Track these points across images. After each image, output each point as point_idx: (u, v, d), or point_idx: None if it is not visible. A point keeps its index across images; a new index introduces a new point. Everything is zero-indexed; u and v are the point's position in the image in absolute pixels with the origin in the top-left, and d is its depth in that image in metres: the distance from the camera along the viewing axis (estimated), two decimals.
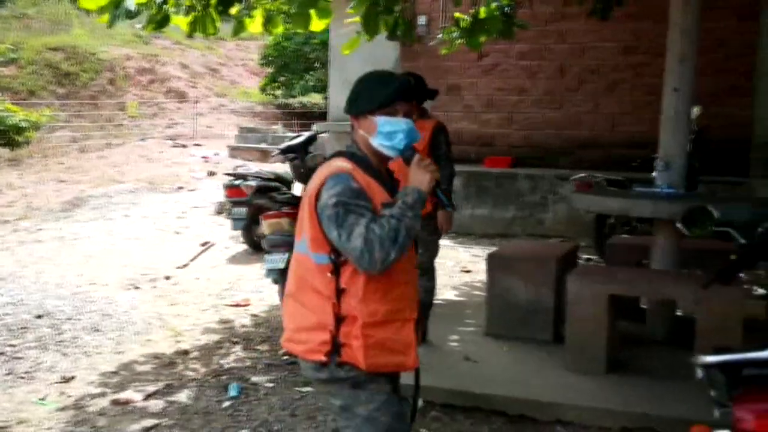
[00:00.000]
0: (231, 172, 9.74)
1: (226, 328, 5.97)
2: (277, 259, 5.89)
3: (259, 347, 5.48)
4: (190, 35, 6.17)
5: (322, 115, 17.38)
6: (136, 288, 7.21)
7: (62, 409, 4.37)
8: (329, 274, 2.36)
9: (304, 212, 2.43)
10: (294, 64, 22.69)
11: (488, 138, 10.88)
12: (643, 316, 5.30)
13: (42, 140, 17.43)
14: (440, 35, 7.36)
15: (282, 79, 23.25)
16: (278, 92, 23.76)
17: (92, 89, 21.62)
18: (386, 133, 2.42)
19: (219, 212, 11.14)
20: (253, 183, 8.64)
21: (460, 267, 8.00)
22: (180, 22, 5.90)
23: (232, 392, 4.55)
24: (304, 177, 8.86)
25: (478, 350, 4.89)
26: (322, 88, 20.78)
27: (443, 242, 5.96)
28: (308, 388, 4.62)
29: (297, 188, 8.85)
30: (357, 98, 2.49)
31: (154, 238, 9.59)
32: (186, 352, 5.38)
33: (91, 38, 23.68)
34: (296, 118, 21.75)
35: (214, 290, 7.15)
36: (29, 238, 9.45)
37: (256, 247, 8.48)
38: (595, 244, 8.16)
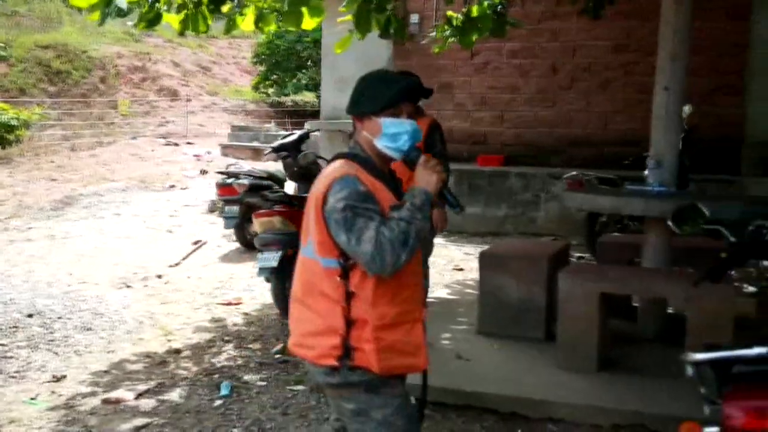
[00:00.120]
0: (223, 170, 9.73)
1: (218, 327, 5.96)
2: (269, 258, 5.89)
3: (250, 346, 5.47)
4: (181, 33, 6.14)
5: (314, 114, 17.38)
6: (128, 287, 7.19)
7: (53, 408, 4.35)
8: (338, 278, 2.34)
9: (310, 216, 2.40)
10: (286, 62, 22.67)
11: (480, 136, 10.89)
12: (635, 314, 5.32)
13: (33, 138, 17.35)
14: (433, 34, 7.37)
15: (274, 77, 23.22)
16: (270, 90, 23.73)
17: (83, 87, 21.54)
18: (391, 134, 2.40)
19: (211, 211, 11.12)
20: (245, 181, 8.64)
21: (452, 265, 8.01)
22: (171, 20, 5.88)
23: (224, 391, 4.54)
24: (297, 175, 8.88)
25: (470, 348, 4.90)
26: (314, 86, 20.78)
27: (436, 240, 5.97)
28: (300, 387, 4.62)
29: (289, 186, 8.85)
30: (360, 99, 2.46)
31: (146, 237, 9.56)
32: (178, 351, 5.37)
33: (82, 36, 23.59)
34: (288, 116, 21.73)
35: (206, 289, 7.13)
36: (20, 237, 9.41)
37: (248, 245, 8.47)
38: (587, 243, 8.18)
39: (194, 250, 8.84)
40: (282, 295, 6.02)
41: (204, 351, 5.38)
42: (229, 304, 6.61)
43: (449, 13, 7.01)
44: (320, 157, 9.16)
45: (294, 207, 6.26)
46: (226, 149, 17.34)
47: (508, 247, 6.07)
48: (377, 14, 6.25)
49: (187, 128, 20.00)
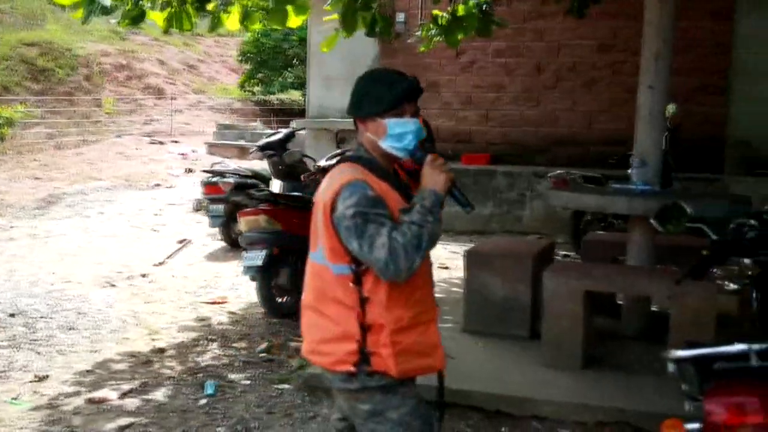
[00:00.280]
0: (209, 169, 9.70)
1: (203, 326, 5.94)
2: (255, 257, 5.88)
3: (236, 345, 5.46)
4: (166, 31, 6.12)
5: (300, 112, 17.34)
6: (112, 286, 7.14)
7: (36, 408, 4.32)
8: (351, 284, 2.31)
9: (318, 222, 2.38)
10: (273, 60, 22.59)
11: (466, 135, 10.92)
12: (619, 312, 5.35)
13: (16, 137, 17.19)
14: (419, 32, 7.37)
15: (260, 75, 23.14)
16: (257, 89, 23.65)
17: (68, 85, 21.36)
18: (396, 134, 2.38)
19: (196, 209, 11.07)
20: (230, 180, 8.61)
21: (437, 264, 8.02)
22: (156, 17, 5.86)
23: (209, 390, 4.52)
24: (283, 174, 8.87)
25: (455, 346, 4.90)
26: (300, 84, 20.73)
27: None
28: (285, 386, 4.61)
29: (275, 185, 8.83)
30: (362, 100, 2.43)
31: (131, 236, 9.51)
32: (162, 350, 5.34)
33: (67, 34, 23.39)
34: (275, 115, 21.66)
35: (191, 288, 7.10)
36: (2, 236, 9.32)
37: (233, 244, 8.44)
38: (572, 241, 8.23)
39: (179, 249, 8.80)
40: (267, 294, 6.01)
41: (189, 350, 5.36)
42: (215, 303, 6.58)
43: (435, 11, 7.02)
44: (306, 156, 9.16)
45: (279, 206, 6.25)
46: (211, 148, 17.27)
47: (494, 246, 6.09)
48: (363, 13, 6.25)
49: (172, 127, 19.89)
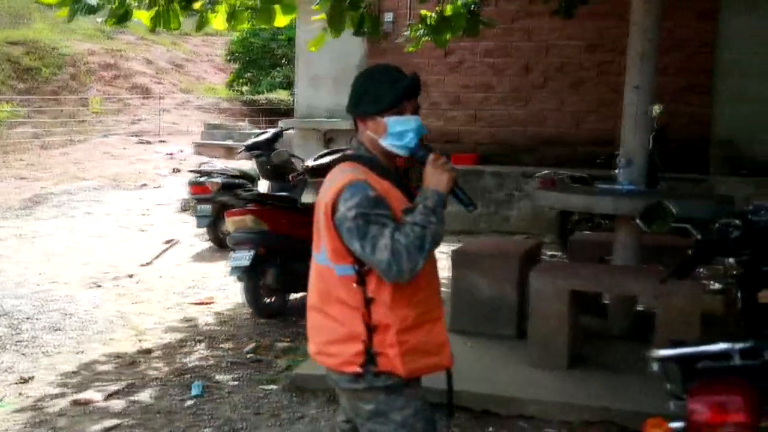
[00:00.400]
0: (196, 169, 9.66)
1: (190, 327, 5.92)
2: (242, 257, 5.86)
3: (223, 345, 5.44)
4: (152, 30, 6.09)
5: (288, 112, 17.31)
6: (98, 286, 7.10)
7: (20, 410, 4.29)
8: (355, 285, 2.30)
9: (320, 224, 2.36)
10: (260, 60, 22.53)
11: (454, 135, 10.93)
12: (605, 312, 5.37)
13: (2, 136, 17.08)
14: (407, 32, 7.37)
15: (248, 75, 23.07)
16: (245, 88, 23.58)
17: (54, 84, 21.23)
18: (397, 133, 2.35)
19: (184, 209, 11.03)
20: (218, 180, 8.59)
21: None
22: (142, 16, 5.83)
23: (195, 391, 4.51)
24: (270, 174, 8.85)
25: None
26: (288, 84, 20.68)
27: None
28: (272, 386, 4.60)
29: (263, 185, 8.82)
30: (362, 99, 2.40)
31: (117, 236, 9.46)
32: (149, 351, 5.32)
33: (53, 32, 23.25)
34: (263, 114, 21.60)
35: (178, 288, 7.07)
36: None
37: (221, 244, 8.42)
38: (560, 241, 8.25)
39: (166, 249, 8.76)
40: (254, 295, 6.00)
41: (175, 351, 5.33)
42: (202, 303, 6.56)
43: (423, 11, 7.03)
44: (294, 156, 9.14)
45: (266, 206, 6.23)
46: (199, 148, 17.20)
47: (481, 246, 6.10)
48: (351, 12, 6.25)
49: (160, 126, 19.80)
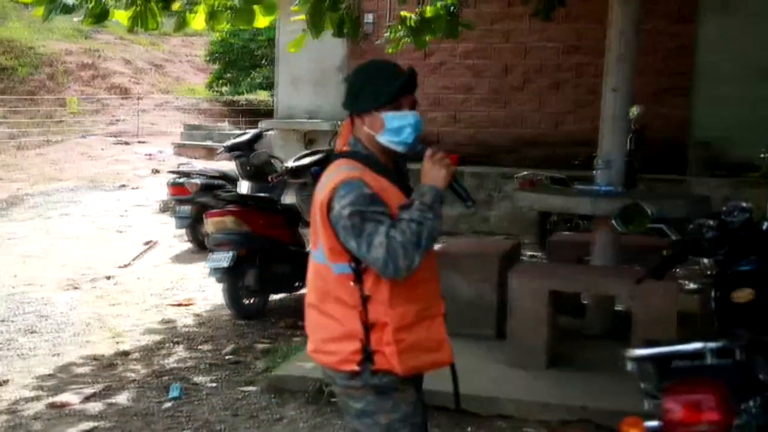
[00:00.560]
0: (175, 169, 9.60)
1: (169, 328, 5.87)
2: (221, 258, 5.84)
3: (202, 347, 5.41)
4: (130, 30, 6.04)
5: (269, 113, 17.23)
6: (75, 288, 7.03)
7: None
8: (352, 283, 2.29)
9: (317, 222, 2.34)
10: (241, 60, 22.44)
11: (434, 136, 10.93)
12: (584, 312, 5.40)
13: None
14: (387, 33, 7.37)
15: (228, 75, 22.97)
16: (225, 89, 23.48)
17: (30, 84, 21.02)
18: (394, 128, 2.33)
19: (163, 210, 10.95)
20: (197, 181, 8.54)
21: None
22: (120, 16, 5.78)
23: (173, 393, 4.47)
24: (250, 175, 8.82)
25: None
26: (269, 85, 20.60)
27: None
28: (251, 388, 4.58)
29: (243, 186, 8.78)
30: (358, 94, 2.38)
31: (95, 238, 9.37)
32: (126, 353, 5.27)
33: (29, 32, 23.01)
34: (243, 115, 21.51)
35: (157, 290, 7.02)
36: None
37: (200, 245, 8.36)
38: (539, 241, 8.29)
39: (145, 251, 8.70)
40: (234, 296, 5.97)
41: (153, 353, 5.30)
42: (180, 305, 6.52)
43: (403, 13, 7.03)
44: (274, 157, 9.12)
45: (246, 207, 6.21)
46: (178, 148, 17.09)
47: (460, 246, 6.12)
48: (331, 13, 6.24)
49: (138, 127, 19.66)
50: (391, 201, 2.28)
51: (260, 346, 5.37)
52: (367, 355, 2.29)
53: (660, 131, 8.99)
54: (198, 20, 6.19)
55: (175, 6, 6.03)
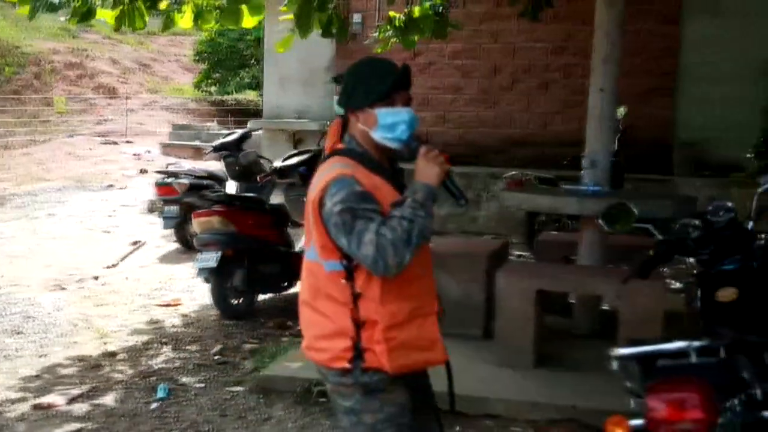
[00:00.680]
0: (163, 169, 9.56)
1: (156, 329, 5.85)
2: (208, 258, 5.82)
3: (189, 347, 5.39)
4: (116, 29, 6.03)
5: (257, 113, 17.19)
6: (62, 289, 6.99)
7: None
8: (343, 281, 2.29)
9: (309, 219, 2.35)
10: (229, 60, 22.35)
11: (423, 136, 10.94)
12: (571, 311, 5.42)
13: None
14: (375, 33, 7.37)
15: (216, 75, 22.88)
16: (213, 89, 23.39)
17: (16, 83, 20.85)
18: (388, 125, 2.33)
19: (150, 211, 10.90)
20: (185, 181, 8.51)
21: None
22: (106, 15, 5.77)
23: (161, 394, 4.46)
24: (238, 174, 8.81)
25: None
26: (257, 85, 20.56)
27: None
28: (239, 388, 4.57)
29: (231, 186, 8.76)
30: (353, 91, 2.38)
31: (82, 238, 9.32)
32: (113, 354, 5.25)
33: (15, 30, 22.83)
34: (231, 115, 21.43)
35: (144, 290, 6.99)
36: None
37: (188, 245, 8.34)
38: (527, 241, 8.31)
39: (132, 251, 8.66)
40: (221, 296, 5.96)
41: (140, 353, 5.27)
42: (168, 305, 6.49)
43: (391, 13, 7.03)
44: (261, 157, 9.11)
45: (234, 207, 6.19)
46: (166, 148, 17.00)
47: (448, 246, 6.12)
48: (319, 14, 6.23)
49: (126, 126, 19.54)
50: (383, 199, 2.28)
51: (248, 346, 5.36)
52: (357, 352, 2.29)
53: (646, 131, 9.03)
54: (185, 20, 6.19)
55: (162, 5, 6.02)
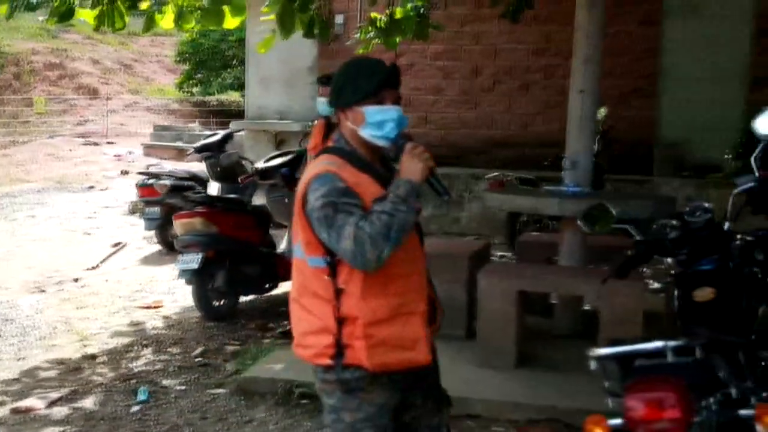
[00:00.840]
0: (144, 171, 9.49)
1: (137, 331, 5.81)
2: (190, 260, 5.79)
3: (170, 350, 5.36)
4: (96, 29, 5.99)
5: (239, 113, 17.14)
6: (42, 291, 6.93)
7: None
8: (326, 277, 2.31)
9: (296, 217, 2.37)
10: (211, 61, 22.26)
11: (412, 135, 10.95)
12: (552, 312, 5.44)
13: None
14: (357, 34, 7.37)
15: (199, 76, 22.78)
16: (195, 89, 23.28)
17: None
18: (376, 122, 2.34)
19: (132, 212, 10.83)
20: (166, 182, 8.45)
21: None
22: (86, 15, 5.73)
23: (141, 396, 4.43)
24: (220, 176, 8.75)
25: None
26: (239, 85, 20.47)
27: None
28: (220, 390, 4.56)
29: (213, 187, 8.71)
30: (342, 90, 2.40)
31: (62, 239, 9.24)
32: (93, 357, 5.21)
33: None
34: (214, 116, 21.34)
35: (125, 292, 6.94)
36: None
37: (170, 247, 8.28)
38: (508, 242, 8.34)
39: (113, 253, 8.60)
40: (203, 298, 5.93)
41: (121, 356, 5.24)
42: (149, 307, 6.45)
43: (373, 14, 7.04)
44: (244, 158, 9.06)
45: (216, 208, 6.17)
46: (148, 149, 16.91)
47: (431, 247, 6.06)
48: (301, 14, 6.22)
49: (107, 127, 19.41)
50: (367, 196, 2.29)
51: (229, 348, 5.34)
52: (339, 348, 2.30)
53: (627, 132, 9.09)
54: (166, 20, 6.16)
55: (143, 5, 5.99)
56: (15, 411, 4.26)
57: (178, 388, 4.62)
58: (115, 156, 16.22)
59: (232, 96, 22.66)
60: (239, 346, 5.36)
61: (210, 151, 8.85)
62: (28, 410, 4.26)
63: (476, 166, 10.19)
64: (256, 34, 9.81)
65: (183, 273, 5.85)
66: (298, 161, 6.07)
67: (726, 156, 8.50)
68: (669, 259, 2.87)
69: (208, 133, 11.77)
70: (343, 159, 2.36)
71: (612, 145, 8.30)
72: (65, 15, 5.47)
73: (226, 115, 20.51)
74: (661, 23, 9.67)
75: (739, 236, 2.73)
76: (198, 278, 5.84)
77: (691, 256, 2.67)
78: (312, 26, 6.39)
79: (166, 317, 6.18)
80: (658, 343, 2.22)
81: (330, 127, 2.51)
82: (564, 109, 5.66)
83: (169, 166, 11.14)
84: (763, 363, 2.46)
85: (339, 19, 10.81)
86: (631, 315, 4.28)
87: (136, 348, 5.41)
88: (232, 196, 7.24)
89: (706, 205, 2.78)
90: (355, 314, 2.28)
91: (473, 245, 6.14)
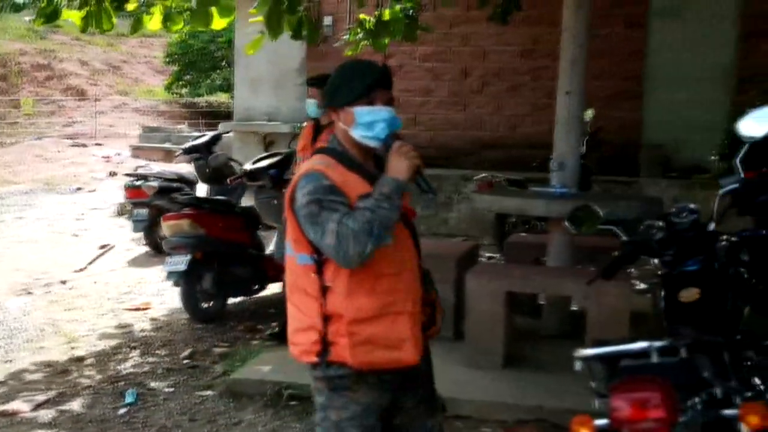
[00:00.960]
0: (132, 172, 9.46)
1: (125, 333, 5.79)
2: (178, 261, 5.78)
3: (158, 351, 5.35)
4: (83, 30, 5.95)
5: (228, 115, 17.11)
6: (29, 293, 6.89)
7: None
8: (313, 274, 2.34)
9: (286, 214, 2.41)
10: (200, 62, 22.20)
11: (403, 137, 10.96)
12: (540, 312, 5.46)
13: None
14: (346, 36, 7.38)
15: (188, 77, 22.71)
16: (184, 91, 23.20)
17: None
18: (366, 123, 2.36)
19: (120, 214, 10.78)
20: (154, 183, 8.42)
21: None
22: (73, 16, 5.69)
23: (129, 398, 4.42)
24: (209, 177, 8.74)
25: None
26: (228, 87, 20.43)
27: None
28: (209, 392, 4.55)
29: (201, 189, 8.70)
30: (336, 91, 2.43)
31: (50, 241, 9.19)
32: (81, 359, 5.19)
33: None
34: (202, 117, 21.28)
35: (113, 294, 6.91)
36: None
37: (158, 249, 8.25)
38: (497, 242, 8.36)
39: (101, 255, 8.56)
40: (191, 299, 5.91)
41: (109, 358, 5.22)
42: (137, 309, 6.43)
43: (362, 16, 7.05)
44: (232, 159, 9.05)
45: (203, 210, 6.16)
46: (136, 151, 16.83)
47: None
48: (289, 16, 6.22)
49: (95, 129, 19.31)
50: (354, 195, 2.31)
51: (218, 349, 5.33)
52: (324, 345, 2.33)
53: (614, 133, 9.14)
54: (153, 21, 6.13)
55: (130, 7, 5.96)
56: (1, 414, 4.24)
57: (167, 390, 4.61)
58: (103, 157, 16.14)
59: (221, 97, 22.60)
60: (228, 348, 5.35)
61: (198, 153, 8.85)
62: (14, 413, 4.24)
63: (465, 168, 10.22)
64: (245, 35, 9.80)
65: (171, 275, 5.84)
66: (286, 163, 6.06)
67: (712, 157, 8.56)
68: (655, 260, 2.89)
69: (197, 134, 11.74)
70: (333, 159, 2.39)
71: (601, 147, 8.34)
72: (52, 16, 5.44)
73: (215, 116, 20.45)
74: (648, 25, 9.73)
75: (724, 237, 2.75)
76: (186, 280, 5.82)
77: (677, 256, 2.69)
78: (300, 28, 6.39)
79: (154, 319, 6.16)
80: (643, 344, 2.24)
81: (319, 128, 2.53)
82: (552, 111, 5.69)
83: (158, 167, 11.11)
84: (747, 363, 2.48)
85: (327, 20, 10.82)
86: (619, 315, 4.31)
87: (124, 350, 5.39)
88: (220, 197, 7.23)
89: (692, 206, 2.80)
90: (341, 312, 2.31)
91: (462, 246, 6.16)
